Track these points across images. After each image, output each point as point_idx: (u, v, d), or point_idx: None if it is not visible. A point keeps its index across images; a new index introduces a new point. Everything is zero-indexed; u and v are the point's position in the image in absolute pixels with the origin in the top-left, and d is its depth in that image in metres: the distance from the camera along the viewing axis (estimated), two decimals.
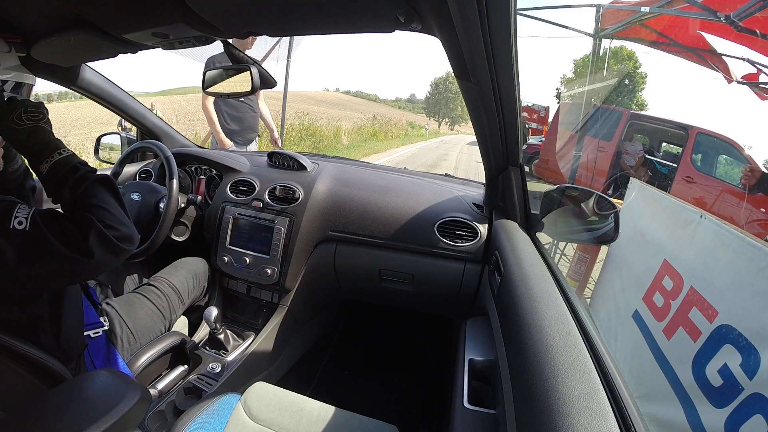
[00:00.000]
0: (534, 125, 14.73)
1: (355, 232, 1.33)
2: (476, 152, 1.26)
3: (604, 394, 0.46)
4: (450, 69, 0.77)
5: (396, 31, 0.71)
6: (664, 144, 6.89)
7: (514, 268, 0.85)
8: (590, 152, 5.88)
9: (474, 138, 1.10)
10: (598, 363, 0.53)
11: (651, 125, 6.29)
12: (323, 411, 0.92)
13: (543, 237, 1.16)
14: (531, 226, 1.15)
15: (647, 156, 5.96)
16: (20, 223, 0.68)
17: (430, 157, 14.00)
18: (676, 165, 5.49)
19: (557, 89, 27.23)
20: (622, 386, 0.50)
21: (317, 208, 1.36)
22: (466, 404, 0.77)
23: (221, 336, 1.27)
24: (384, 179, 1.49)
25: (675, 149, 6.45)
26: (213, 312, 1.20)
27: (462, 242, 1.25)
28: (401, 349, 1.91)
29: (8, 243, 0.66)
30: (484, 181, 1.32)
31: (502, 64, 0.67)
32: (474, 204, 1.33)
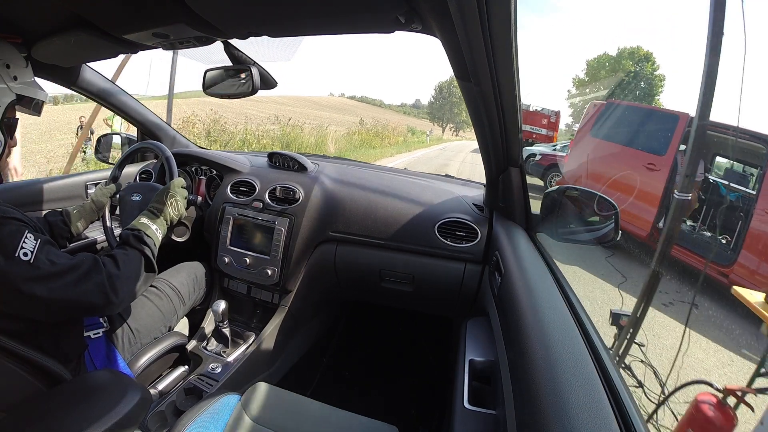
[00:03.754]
0: (543, 131, 13.83)
1: (355, 232, 1.33)
2: (480, 161, 1.28)
3: (604, 393, 0.46)
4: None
5: (398, 34, 0.72)
6: (724, 160, 5.12)
7: (514, 268, 0.85)
8: (633, 170, 4.35)
9: (478, 145, 1.10)
10: (597, 363, 0.53)
11: (721, 135, 4.25)
12: (323, 411, 0.92)
13: (544, 238, 1.16)
14: (531, 227, 1.14)
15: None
16: (26, 254, 0.72)
17: (428, 167, 12.89)
18: (750, 191, 4.01)
19: (568, 91, 24.50)
20: (623, 386, 0.50)
21: (317, 209, 1.36)
22: (466, 404, 0.77)
23: (227, 330, 1.28)
24: (384, 180, 1.49)
25: (740, 167, 4.79)
26: (221, 305, 1.22)
27: (462, 243, 1.25)
28: (401, 349, 1.91)
29: (12, 269, 0.70)
30: (484, 182, 1.32)
31: (502, 64, 0.67)
32: (474, 204, 1.33)
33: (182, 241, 1.43)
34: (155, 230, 1.01)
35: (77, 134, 9.16)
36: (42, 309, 0.75)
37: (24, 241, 0.72)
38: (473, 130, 1.00)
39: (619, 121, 4.64)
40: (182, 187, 1.17)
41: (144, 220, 1.01)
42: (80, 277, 0.78)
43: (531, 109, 14.54)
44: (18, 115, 0.92)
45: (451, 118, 62.72)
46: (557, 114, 14.52)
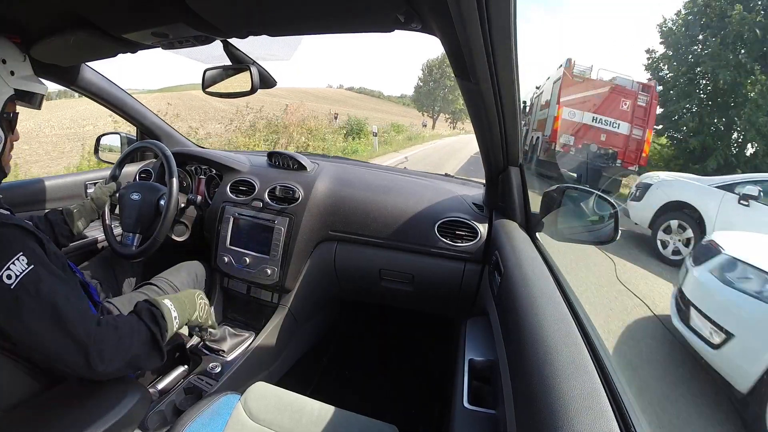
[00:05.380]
0: (623, 128, 7.14)
1: (355, 231, 1.33)
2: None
3: (604, 394, 0.46)
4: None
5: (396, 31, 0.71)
6: None
7: (514, 268, 0.85)
8: None
9: (478, 146, 1.08)
10: (598, 363, 0.53)
11: None
12: (323, 411, 0.92)
13: (543, 237, 1.16)
14: (531, 226, 1.15)
15: None
16: (9, 277, 0.64)
17: None
18: None
19: (649, 53, 12.40)
20: (622, 386, 0.51)
21: (317, 208, 1.36)
22: (466, 404, 0.77)
23: (213, 344, 1.26)
24: (384, 179, 1.49)
25: None
26: None
27: (462, 242, 1.25)
28: (401, 349, 1.91)
29: None
30: (484, 181, 1.32)
31: (502, 64, 0.67)
32: (474, 204, 1.33)
33: (182, 241, 1.43)
34: (174, 318, 0.89)
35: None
36: (17, 341, 0.68)
37: (13, 262, 0.65)
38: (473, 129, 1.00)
39: None
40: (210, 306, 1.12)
41: (167, 302, 0.90)
42: (60, 327, 0.67)
43: (592, 76, 7.69)
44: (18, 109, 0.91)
45: (445, 107, 46.82)
46: (652, 89, 7.26)
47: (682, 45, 11.87)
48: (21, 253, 0.67)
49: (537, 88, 12.24)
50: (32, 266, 0.68)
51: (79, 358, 0.68)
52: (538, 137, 9.66)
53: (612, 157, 7.44)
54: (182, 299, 0.96)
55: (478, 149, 1.15)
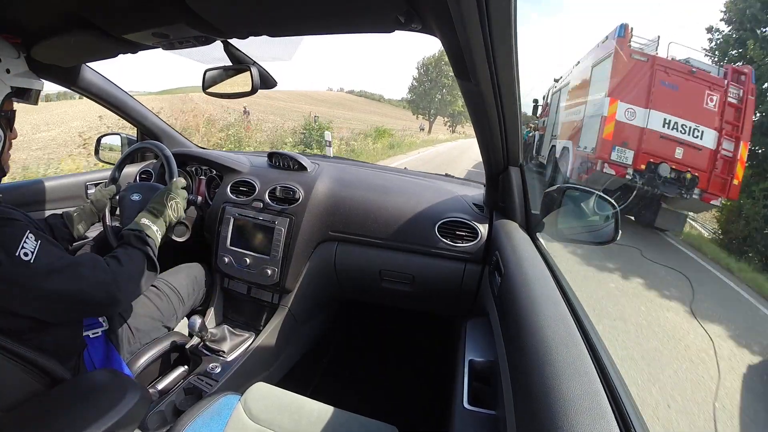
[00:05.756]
0: (709, 139, 4.62)
1: (355, 232, 1.33)
2: None
3: (604, 394, 0.46)
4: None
5: (397, 32, 0.71)
6: None
7: (514, 268, 0.85)
8: None
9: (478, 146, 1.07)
10: (598, 364, 0.53)
11: None
12: (323, 411, 0.92)
13: (544, 238, 1.16)
14: (531, 227, 1.14)
15: None
16: (26, 254, 0.72)
17: None
18: None
19: (711, 32, 9.33)
20: (622, 387, 0.50)
21: (317, 209, 1.36)
22: (466, 405, 0.77)
23: (213, 344, 1.26)
24: (384, 179, 1.49)
25: None
26: (197, 322, 1.16)
27: (462, 242, 1.25)
28: (401, 349, 1.91)
29: (13, 269, 0.70)
30: (484, 181, 1.32)
31: (502, 64, 0.67)
32: (474, 204, 1.33)
33: (182, 241, 1.43)
34: (155, 231, 1.02)
35: None
36: (45, 306, 0.76)
37: (25, 242, 0.73)
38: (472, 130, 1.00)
39: None
40: (182, 188, 1.17)
41: (144, 220, 1.02)
42: (83, 275, 0.79)
43: (660, 54, 5.00)
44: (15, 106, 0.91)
45: (442, 109, 42.24)
46: (747, 77, 4.63)
47: (760, 22, 8.09)
48: (28, 231, 0.75)
49: (556, 81, 9.42)
50: (40, 241, 0.76)
51: (105, 295, 0.82)
52: (564, 148, 6.76)
53: (689, 185, 4.82)
54: (154, 212, 1.06)
55: (477, 159, 1.15)
